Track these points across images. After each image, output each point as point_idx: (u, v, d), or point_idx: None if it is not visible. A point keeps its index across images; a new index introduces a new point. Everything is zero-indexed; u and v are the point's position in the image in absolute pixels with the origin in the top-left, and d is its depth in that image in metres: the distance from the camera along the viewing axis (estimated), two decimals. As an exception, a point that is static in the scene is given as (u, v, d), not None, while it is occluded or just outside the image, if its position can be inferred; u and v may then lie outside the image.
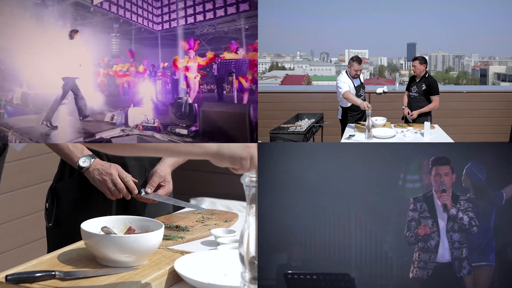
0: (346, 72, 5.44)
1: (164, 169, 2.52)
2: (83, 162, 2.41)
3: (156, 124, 3.45)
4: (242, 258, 1.43)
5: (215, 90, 3.96)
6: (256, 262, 1.41)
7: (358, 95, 5.35)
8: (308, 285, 1.77)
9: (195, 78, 3.96)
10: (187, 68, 3.96)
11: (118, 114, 3.56)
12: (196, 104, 3.56)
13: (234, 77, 3.57)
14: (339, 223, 2.14)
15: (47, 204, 2.60)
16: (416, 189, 2.16)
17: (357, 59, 5.40)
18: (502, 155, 2.08)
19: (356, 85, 5.41)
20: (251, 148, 1.82)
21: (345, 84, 5.29)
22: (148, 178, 2.51)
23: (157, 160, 2.61)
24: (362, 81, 5.56)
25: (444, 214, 2.04)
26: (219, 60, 3.80)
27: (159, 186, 2.49)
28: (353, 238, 2.14)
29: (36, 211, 4.35)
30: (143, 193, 2.45)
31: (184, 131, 3.33)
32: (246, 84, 3.57)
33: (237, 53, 3.65)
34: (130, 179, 2.40)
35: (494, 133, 7.14)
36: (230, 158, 1.76)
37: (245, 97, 3.57)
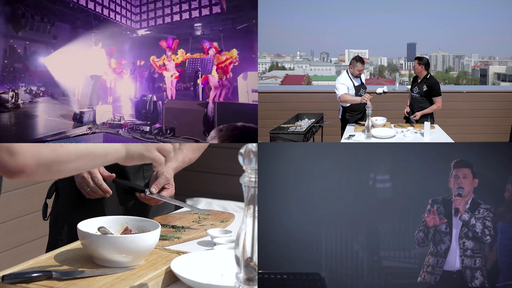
0: (347, 71, 5.45)
1: (169, 172, 2.53)
2: None
3: (122, 122, 3.50)
4: (237, 259, 1.42)
5: (191, 88, 4.03)
6: (252, 263, 1.41)
7: (358, 94, 5.36)
8: (278, 285, 1.76)
9: (171, 76, 4.01)
10: (165, 67, 4.01)
11: (86, 111, 3.59)
12: (160, 102, 3.63)
13: (199, 75, 3.65)
14: (320, 223, 2.12)
15: (47, 199, 2.62)
16: (386, 190, 2.14)
17: (360, 59, 5.42)
18: (502, 155, 2.07)
19: (356, 85, 5.41)
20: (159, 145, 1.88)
21: (343, 86, 5.29)
22: (152, 179, 2.52)
23: None
24: (363, 81, 5.56)
25: (457, 220, 2.00)
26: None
27: (163, 188, 2.50)
28: (323, 238, 2.12)
29: (33, 211, 4.34)
30: (147, 193, 2.46)
31: (147, 128, 3.40)
32: (213, 83, 3.66)
33: (208, 53, 3.73)
34: (102, 182, 2.42)
35: (494, 133, 7.12)
36: (139, 155, 1.81)
37: (211, 94, 3.65)
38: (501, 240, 2.03)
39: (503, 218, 2.04)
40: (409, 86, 6.16)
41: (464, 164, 2.01)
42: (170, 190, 2.51)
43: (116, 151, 1.78)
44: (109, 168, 2.48)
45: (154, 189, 2.45)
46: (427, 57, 5.79)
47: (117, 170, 2.53)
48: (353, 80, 5.40)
